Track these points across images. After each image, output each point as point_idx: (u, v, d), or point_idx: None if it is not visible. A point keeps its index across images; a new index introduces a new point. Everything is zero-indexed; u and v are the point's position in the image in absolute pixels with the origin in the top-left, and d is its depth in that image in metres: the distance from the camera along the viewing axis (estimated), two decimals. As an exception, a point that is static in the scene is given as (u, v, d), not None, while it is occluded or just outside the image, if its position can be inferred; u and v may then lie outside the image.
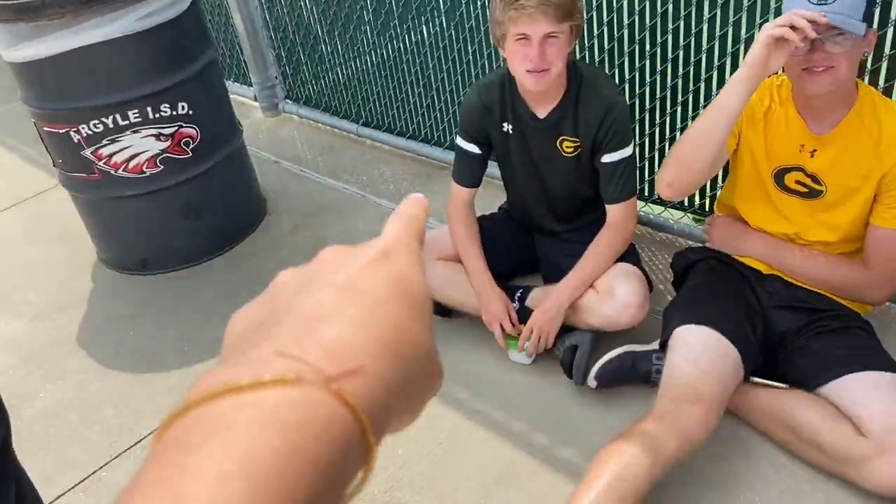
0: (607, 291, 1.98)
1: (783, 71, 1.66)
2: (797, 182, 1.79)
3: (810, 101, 1.68)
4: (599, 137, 1.94)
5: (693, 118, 2.27)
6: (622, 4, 2.22)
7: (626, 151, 1.95)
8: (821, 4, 1.50)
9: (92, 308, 2.66)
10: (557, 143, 2.01)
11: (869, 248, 1.77)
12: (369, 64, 3.24)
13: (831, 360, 1.68)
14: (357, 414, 0.27)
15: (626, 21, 2.24)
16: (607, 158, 1.95)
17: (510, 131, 2.05)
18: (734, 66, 2.07)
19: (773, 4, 1.90)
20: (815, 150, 1.74)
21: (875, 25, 1.67)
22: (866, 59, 1.72)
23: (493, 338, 2.08)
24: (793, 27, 1.47)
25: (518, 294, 2.13)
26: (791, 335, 1.80)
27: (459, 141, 2.12)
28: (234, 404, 0.26)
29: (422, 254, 0.37)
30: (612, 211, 2.01)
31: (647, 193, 2.57)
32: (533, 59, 1.78)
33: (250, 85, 3.85)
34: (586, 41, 2.38)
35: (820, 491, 1.63)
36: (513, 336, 2.07)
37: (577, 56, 2.43)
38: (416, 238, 0.38)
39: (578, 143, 1.98)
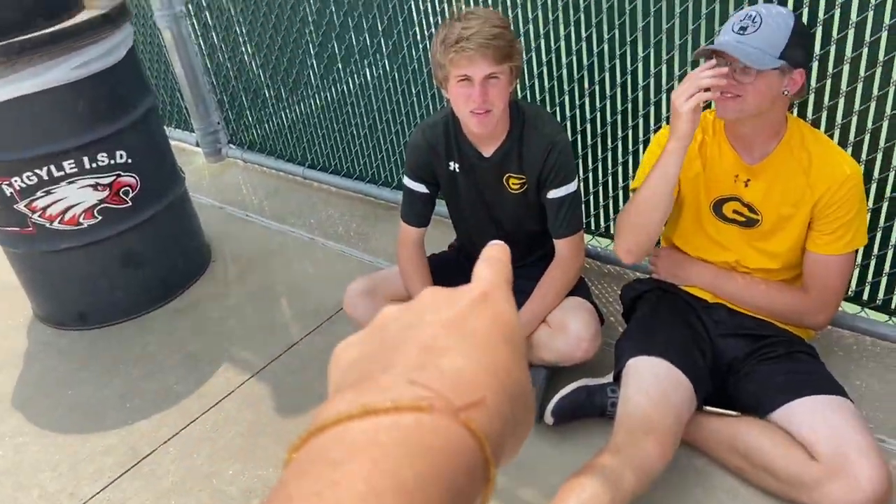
0: (559, 326, 1.99)
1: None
2: (734, 212, 1.85)
3: (736, 131, 1.74)
4: (544, 174, 1.96)
5: (634, 153, 2.32)
6: (560, 45, 2.28)
7: (571, 187, 1.98)
8: (740, 33, 1.58)
9: (27, 367, 2.54)
10: (504, 181, 2.03)
11: (807, 275, 1.82)
12: (313, 107, 3.23)
13: (779, 386, 1.71)
14: (482, 444, 0.28)
15: (564, 61, 2.30)
16: (553, 194, 1.97)
17: (457, 170, 2.06)
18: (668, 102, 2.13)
19: (702, 42, 1.97)
20: (748, 180, 1.79)
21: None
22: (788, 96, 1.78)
23: (447, 378, 2.06)
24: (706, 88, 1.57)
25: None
26: (738, 362, 1.83)
27: (406, 181, 2.12)
28: (374, 426, 0.27)
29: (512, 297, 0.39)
30: (560, 246, 2.03)
31: (593, 227, 2.61)
32: (475, 100, 1.81)
33: (192, 131, 3.81)
34: (527, 80, 2.43)
35: (776, 516, 1.64)
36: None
37: (519, 95, 2.47)
38: (507, 282, 0.40)
39: (524, 180, 2.01)
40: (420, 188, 2.11)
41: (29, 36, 2.18)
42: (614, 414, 1.77)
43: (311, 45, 3.01)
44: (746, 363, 1.82)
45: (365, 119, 3.06)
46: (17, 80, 2.20)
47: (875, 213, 1.91)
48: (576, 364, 1.98)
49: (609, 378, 1.96)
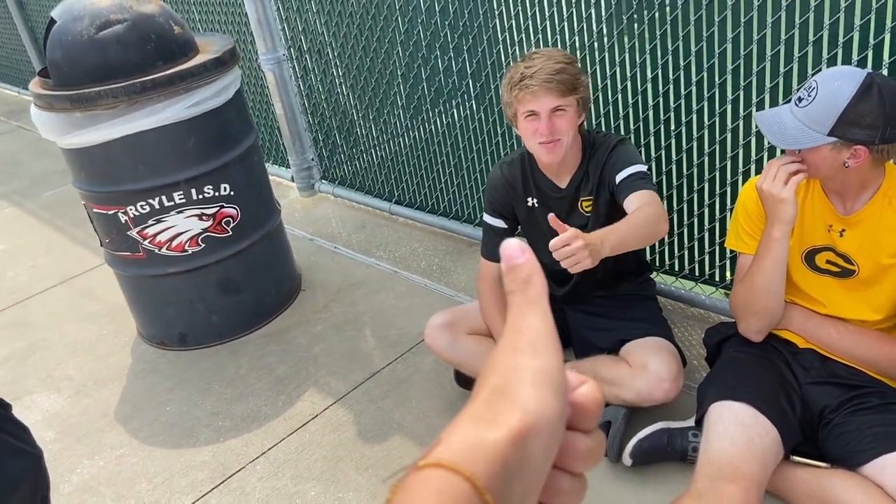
0: (640, 366, 1.98)
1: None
2: (828, 262, 1.80)
3: (825, 183, 1.71)
4: (605, 171, 1.98)
5: (721, 195, 2.30)
6: (647, 87, 2.30)
7: (638, 167, 1.91)
8: (797, 104, 1.60)
9: (130, 383, 2.72)
10: (579, 205, 2.06)
11: (907, 325, 1.75)
12: (401, 145, 3.36)
13: (872, 438, 1.64)
14: (483, 496, 0.35)
15: (650, 102, 2.32)
16: (620, 175, 1.92)
17: (535, 205, 2.11)
18: (757, 143, 2.12)
19: (794, 85, 1.96)
20: (843, 230, 1.75)
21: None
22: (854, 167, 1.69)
23: (525, 414, 2.07)
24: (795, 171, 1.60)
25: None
26: (829, 411, 1.77)
27: (486, 217, 2.19)
28: (428, 477, 0.35)
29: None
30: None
31: (677, 268, 2.58)
32: (543, 132, 1.87)
33: (288, 167, 4.01)
34: (612, 122, 2.46)
35: (869, 576, 1.56)
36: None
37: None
38: (546, 313, 0.42)
39: (593, 198, 2.03)
40: (499, 223, 2.16)
41: (150, 77, 2.38)
42: (695, 459, 1.74)
43: (401, 87, 3.15)
44: (838, 413, 1.76)
45: (451, 157, 3.15)
46: (137, 117, 2.41)
47: (981, 262, 1.82)
48: (656, 405, 1.96)
49: (691, 422, 1.92)
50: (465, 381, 2.28)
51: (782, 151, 1.69)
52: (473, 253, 3.05)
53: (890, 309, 1.76)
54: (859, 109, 1.52)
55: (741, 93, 2.08)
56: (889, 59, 1.77)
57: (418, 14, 2.87)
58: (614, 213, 2.00)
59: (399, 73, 3.12)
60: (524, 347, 0.40)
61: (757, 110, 2.08)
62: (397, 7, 2.94)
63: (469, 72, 2.83)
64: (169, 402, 2.56)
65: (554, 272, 2.25)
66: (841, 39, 1.84)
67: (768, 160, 2.11)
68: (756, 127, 2.10)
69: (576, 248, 1.62)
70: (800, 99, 1.59)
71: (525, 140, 1.96)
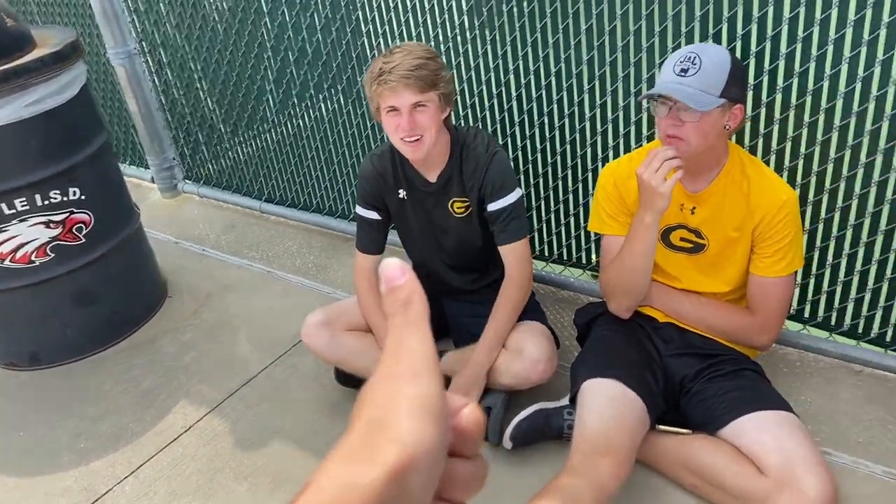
0: (516, 350, 2.02)
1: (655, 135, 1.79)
2: (682, 239, 1.92)
3: (696, 160, 1.81)
4: (483, 190, 2.01)
5: (583, 182, 2.39)
6: (510, 79, 2.35)
7: (512, 197, 2.01)
8: (681, 75, 1.66)
9: (-25, 410, 2.47)
10: (449, 206, 2.08)
11: (751, 297, 1.89)
12: (269, 141, 3.26)
13: (727, 404, 1.77)
14: None
15: (514, 93, 2.37)
16: (494, 206, 2.01)
17: (405, 197, 2.11)
18: (614, 131, 2.22)
19: (644, 74, 2.06)
20: (694, 208, 1.87)
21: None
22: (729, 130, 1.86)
23: (407, 407, 2.07)
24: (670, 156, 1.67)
25: (430, 360, 2.14)
26: (688, 381, 1.89)
27: (359, 209, 2.16)
28: None
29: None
30: (507, 255, 2.05)
31: (546, 253, 2.67)
32: (404, 128, 1.87)
33: (147, 167, 3.78)
34: (479, 113, 2.49)
35: (729, 531, 1.68)
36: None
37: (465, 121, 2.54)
38: (426, 333, 0.40)
39: (468, 203, 2.06)
40: (372, 215, 2.14)
41: (-22, 74, 2.16)
42: (571, 436, 1.80)
43: (266, 81, 3.05)
44: (696, 382, 1.88)
45: (321, 152, 3.09)
46: (-34, 118, 2.18)
47: (812, 234, 2.00)
48: (532, 387, 2.01)
49: (565, 401, 1.99)
50: (347, 379, 2.25)
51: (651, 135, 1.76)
52: (349, 248, 3.00)
53: (738, 281, 1.90)
54: (734, 71, 1.67)
55: (596, 82, 2.17)
56: (756, 47, 1.88)
57: (278, 6, 2.79)
58: (488, 223, 2.07)
59: (262, 67, 3.01)
60: (402, 373, 0.38)
61: (612, 100, 2.17)
62: (256, -2, 2.83)
63: (335, 65, 2.78)
64: (22, 427, 2.35)
65: (424, 266, 2.26)
66: (684, 29, 1.95)
67: (624, 147, 2.22)
68: (612, 115, 2.20)
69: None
70: (684, 70, 1.66)
71: (389, 135, 1.95)
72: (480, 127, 2.53)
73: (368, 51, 2.66)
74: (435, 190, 2.07)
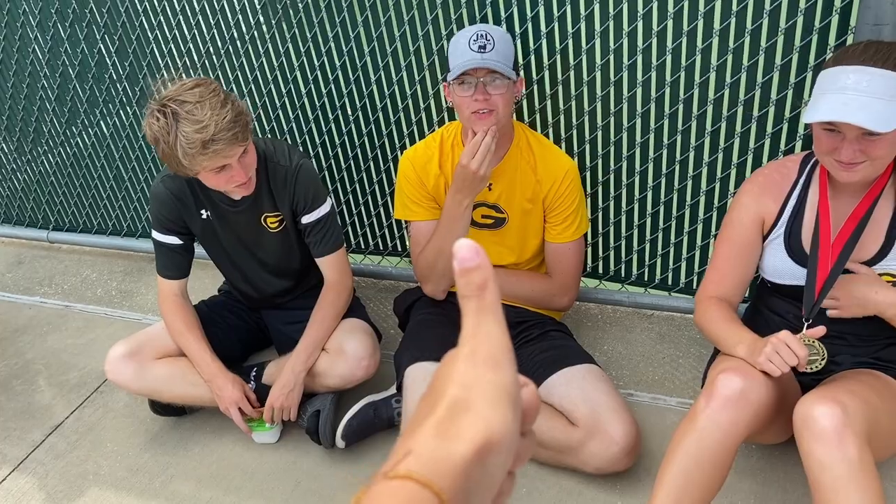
0: (338, 350, 2.01)
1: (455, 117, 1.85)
2: (483, 216, 2.00)
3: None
4: (295, 203, 1.98)
5: (386, 171, 2.42)
6: (296, 75, 2.31)
7: (323, 209, 2.00)
8: (481, 52, 1.71)
9: None
10: (262, 221, 2.01)
11: (548, 263, 2.02)
12: (47, 165, 2.98)
13: (537, 365, 1.88)
14: None
15: (303, 90, 2.34)
16: (307, 219, 2.00)
17: (210, 217, 2.01)
18: (407, 120, 2.26)
19: (425, 58, 2.11)
20: (490, 185, 1.95)
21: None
22: (518, 103, 1.97)
23: (234, 425, 2.01)
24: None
25: (253, 373, 2.08)
26: (503, 350, 1.98)
27: (155, 234, 2.03)
28: (391, 488, 0.35)
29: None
30: (325, 266, 2.05)
31: (363, 246, 2.67)
32: (239, 179, 1.78)
33: None
34: (272, 113, 2.43)
35: (554, 486, 1.79)
36: (254, 419, 2.01)
37: (267, 131, 2.47)
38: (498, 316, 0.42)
39: (281, 216, 2.01)
40: (172, 240, 2.02)
41: None
42: (401, 423, 1.83)
43: (42, 99, 2.77)
44: (510, 350, 1.97)
45: (108, 170, 2.87)
46: None
47: (594, 196, 2.17)
48: (360, 384, 2.02)
49: (393, 389, 2.02)
50: (164, 409, 2.13)
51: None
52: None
53: (536, 249, 2.02)
54: (514, 46, 1.81)
55: (381, 73, 2.19)
56: (520, 28, 1.97)
57: (48, 17, 2.53)
58: (302, 237, 2.04)
59: (38, 85, 2.73)
60: (485, 360, 0.40)
61: (399, 89, 2.20)
62: (25, 7, 2.56)
63: (123, 75, 2.57)
64: None
65: (239, 281, 2.18)
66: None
67: (419, 133, 2.27)
68: (402, 104, 2.23)
69: (279, 410, 1.97)
70: (482, 47, 1.71)
71: (214, 186, 1.82)
72: (276, 129, 2.47)
73: (159, 58, 2.48)
74: (244, 208, 1.98)
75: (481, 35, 1.74)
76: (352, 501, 0.36)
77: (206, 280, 2.43)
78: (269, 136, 2.49)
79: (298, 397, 1.98)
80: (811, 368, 1.38)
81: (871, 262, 1.50)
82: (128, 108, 2.67)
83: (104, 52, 2.54)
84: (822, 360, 1.38)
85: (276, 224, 2.02)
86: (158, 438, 2.12)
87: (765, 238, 1.61)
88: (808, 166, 1.57)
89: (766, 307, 1.70)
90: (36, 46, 2.63)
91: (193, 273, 2.13)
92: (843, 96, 1.33)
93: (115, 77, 2.59)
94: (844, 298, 1.49)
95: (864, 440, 1.31)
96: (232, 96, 1.74)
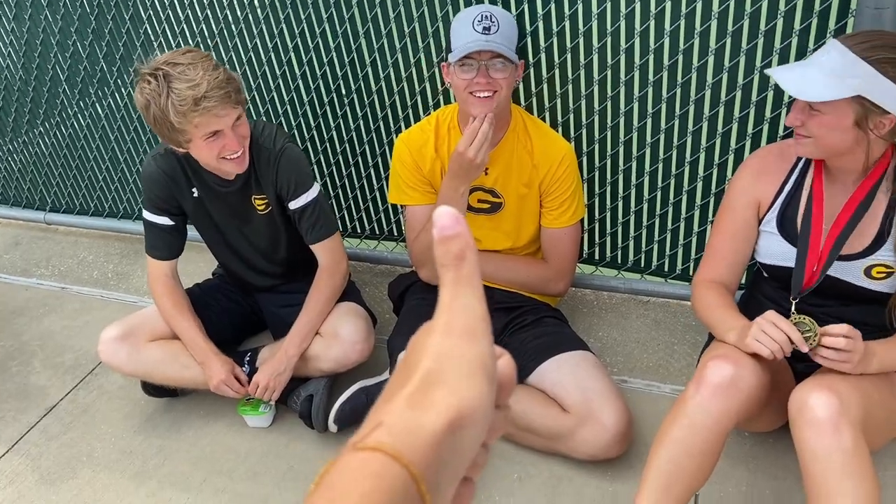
0: (332, 334, 2.01)
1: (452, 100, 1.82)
2: (480, 201, 1.98)
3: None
4: (279, 188, 1.95)
5: (382, 155, 2.40)
6: (290, 57, 2.29)
7: (310, 194, 1.97)
8: (485, 34, 1.69)
9: None
10: (251, 201, 2.00)
11: (544, 248, 2.01)
12: (43, 147, 2.96)
13: (530, 352, 1.87)
14: (419, 485, 0.35)
15: (297, 72, 2.31)
16: (294, 205, 1.97)
17: (201, 196, 1.99)
18: (402, 103, 2.23)
19: (420, 42, 2.08)
20: (487, 169, 1.93)
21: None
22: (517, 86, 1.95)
23: (227, 408, 2.01)
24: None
25: (247, 358, 2.08)
26: (497, 335, 1.97)
27: (147, 214, 2.02)
28: (359, 460, 0.35)
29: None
30: (319, 252, 2.04)
31: (358, 230, 2.66)
32: (232, 148, 1.76)
33: None
34: (266, 96, 2.41)
35: (545, 471, 1.79)
36: (245, 403, 2.01)
37: (262, 113, 2.45)
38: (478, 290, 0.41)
39: (266, 199, 1.99)
40: (163, 220, 2.01)
41: None
42: (392, 408, 1.82)
43: (40, 82, 2.75)
44: (504, 335, 1.97)
45: (103, 152, 2.86)
46: None
47: (590, 182, 2.15)
48: (353, 368, 2.01)
49: (386, 375, 2.02)
50: (156, 390, 2.13)
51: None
52: (151, 251, 2.82)
53: (533, 234, 2.00)
54: (517, 29, 1.79)
55: (377, 55, 2.16)
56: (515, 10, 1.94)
57: (28, -5, 2.51)
58: (290, 222, 2.02)
59: (32, 65, 2.71)
60: (461, 332, 0.39)
61: (395, 72, 2.17)
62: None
63: (117, 57, 2.54)
64: None
65: (232, 263, 2.17)
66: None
67: (414, 116, 2.25)
68: (397, 87, 2.21)
69: (268, 389, 1.96)
70: (487, 28, 1.69)
71: (207, 159, 1.79)
72: (270, 112, 2.45)
73: (153, 38, 2.45)
74: (234, 189, 1.96)
75: (486, 16, 1.71)
76: (320, 472, 0.34)
77: (200, 263, 2.42)
78: (264, 118, 2.47)
79: (286, 380, 1.96)
80: (810, 344, 1.36)
81: (865, 253, 1.48)
82: (122, 89, 2.64)
83: (98, 32, 2.52)
84: (816, 335, 1.36)
85: (263, 206, 2.00)
86: (152, 420, 2.12)
87: (760, 221, 1.59)
88: (806, 151, 1.55)
89: (761, 294, 1.68)
90: (31, 25, 2.61)
91: (187, 256, 2.12)
92: (804, 65, 1.39)
93: (109, 58, 2.56)
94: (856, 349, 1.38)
95: (859, 429, 1.30)
96: (224, 66, 1.74)
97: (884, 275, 1.47)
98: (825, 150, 1.43)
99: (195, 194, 1.99)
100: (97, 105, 2.73)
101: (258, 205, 2.00)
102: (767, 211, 1.57)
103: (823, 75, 1.33)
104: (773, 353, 1.39)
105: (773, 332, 1.39)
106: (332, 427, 1.94)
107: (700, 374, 1.42)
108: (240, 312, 2.26)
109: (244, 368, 2.04)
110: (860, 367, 1.38)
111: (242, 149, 1.80)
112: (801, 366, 1.60)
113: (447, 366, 0.38)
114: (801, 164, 1.55)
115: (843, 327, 1.36)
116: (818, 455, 1.30)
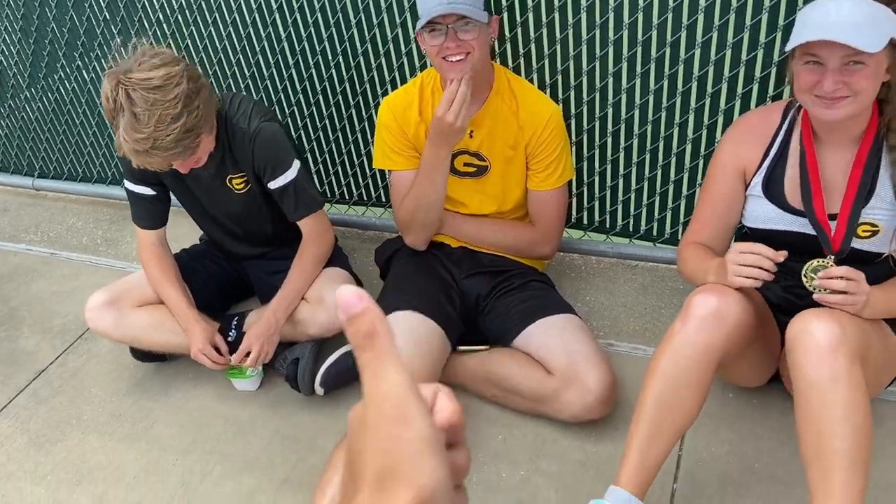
0: (318, 300, 2.00)
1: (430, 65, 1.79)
2: (465, 164, 1.96)
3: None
4: (258, 168, 1.92)
5: (369, 119, 2.37)
6: (282, 39, 2.25)
7: (291, 173, 1.93)
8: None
9: None
10: (227, 182, 1.97)
11: (531, 211, 1.99)
12: (30, 112, 2.93)
13: (516, 315, 1.87)
14: None
15: (285, 47, 2.28)
16: (274, 185, 1.93)
17: (178, 173, 1.96)
18: (380, 76, 2.20)
19: (406, 4, 2.05)
20: (472, 131, 1.90)
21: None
22: (493, 44, 1.92)
23: (214, 372, 2.01)
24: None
25: (234, 322, 2.08)
26: (482, 298, 1.97)
27: (128, 184, 2.00)
28: None
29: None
30: (304, 228, 2.01)
31: (346, 196, 2.64)
32: (182, 170, 1.81)
33: None
34: (259, 78, 2.38)
35: (530, 433, 1.80)
36: (233, 367, 2.01)
37: (253, 92, 2.42)
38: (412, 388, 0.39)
39: (245, 177, 1.96)
40: (145, 190, 1.99)
41: None
42: (378, 371, 1.83)
43: (24, 45, 2.71)
44: (489, 299, 1.96)
45: (90, 118, 2.83)
46: None
47: (578, 145, 2.13)
48: (340, 333, 2.01)
49: (372, 339, 2.01)
50: (145, 355, 2.14)
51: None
52: (140, 217, 2.81)
53: (519, 198, 1.99)
54: None
55: (362, 15, 2.12)
56: None
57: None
58: (272, 197, 1.99)
59: (16, 26, 2.67)
60: (394, 416, 0.37)
61: (380, 32, 2.14)
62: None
63: (101, 18, 2.50)
64: None
65: (215, 234, 2.15)
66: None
67: (400, 79, 2.21)
68: (375, 62, 2.17)
69: (255, 352, 1.94)
70: None
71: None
72: (255, 75, 2.41)
73: (136, 2, 2.40)
74: (210, 172, 1.93)
75: None
76: None
77: (186, 228, 2.40)
78: (249, 83, 2.44)
79: (274, 344, 1.97)
80: (813, 287, 1.37)
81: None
82: (108, 55, 2.60)
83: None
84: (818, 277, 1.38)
85: (242, 185, 1.97)
86: (141, 384, 2.13)
87: (747, 186, 1.58)
88: (791, 112, 1.53)
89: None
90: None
91: (173, 220, 2.11)
92: (827, 21, 1.30)
93: (92, 25, 2.52)
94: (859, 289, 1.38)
95: (857, 363, 1.28)
96: (194, 103, 1.66)
97: (869, 233, 1.46)
98: (864, 106, 1.37)
99: (172, 167, 1.96)
100: (83, 71, 2.69)
101: (237, 184, 1.97)
102: (754, 175, 1.56)
103: (855, 27, 1.27)
104: (759, 279, 1.38)
105: (749, 258, 1.39)
106: (319, 390, 1.95)
107: (686, 308, 1.42)
108: (227, 277, 2.25)
109: (231, 333, 2.04)
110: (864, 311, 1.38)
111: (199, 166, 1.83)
112: (787, 318, 1.60)
113: (393, 457, 0.37)
114: (784, 127, 1.53)
115: (843, 269, 1.35)
116: (813, 381, 1.27)
